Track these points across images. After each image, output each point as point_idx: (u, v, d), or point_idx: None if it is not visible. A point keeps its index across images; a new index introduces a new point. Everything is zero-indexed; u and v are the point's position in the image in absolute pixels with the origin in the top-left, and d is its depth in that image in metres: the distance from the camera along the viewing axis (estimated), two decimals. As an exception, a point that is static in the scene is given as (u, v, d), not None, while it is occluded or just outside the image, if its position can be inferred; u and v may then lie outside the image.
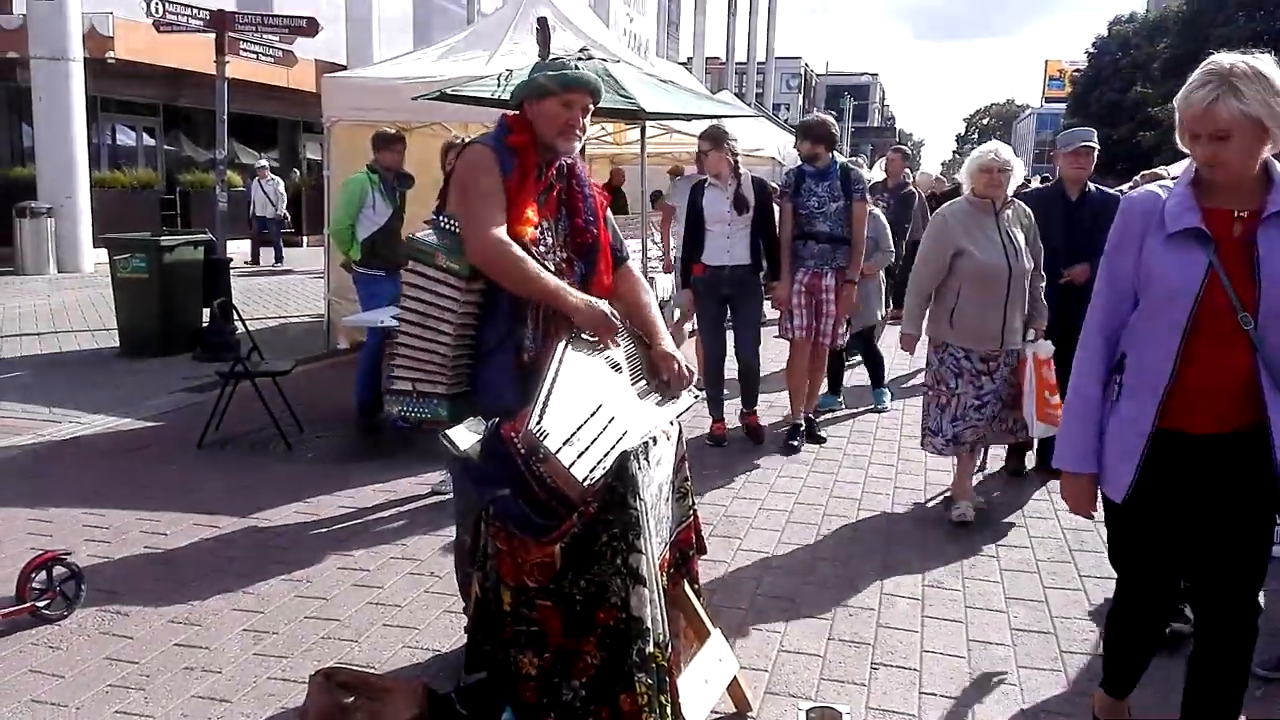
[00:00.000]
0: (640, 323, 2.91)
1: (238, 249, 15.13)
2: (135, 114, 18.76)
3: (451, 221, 2.68)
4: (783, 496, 5.15)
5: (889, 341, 9.71)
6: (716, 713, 2.92)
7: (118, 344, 8.71)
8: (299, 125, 22.08)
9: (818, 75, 73.31)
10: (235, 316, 7.12)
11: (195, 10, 9.40)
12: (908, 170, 10.16)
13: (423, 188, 6.68)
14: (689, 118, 7.90)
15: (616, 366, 2.71)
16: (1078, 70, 51.67)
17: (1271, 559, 2.52)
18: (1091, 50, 45.25)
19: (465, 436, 2.49)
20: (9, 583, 3.60)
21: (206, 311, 8.59)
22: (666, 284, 9.35)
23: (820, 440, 6.19)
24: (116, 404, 6.75)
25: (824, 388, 6.67)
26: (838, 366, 7.03)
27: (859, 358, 7.80)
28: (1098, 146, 5.28)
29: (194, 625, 3.56)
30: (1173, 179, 2.49)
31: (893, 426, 6.70)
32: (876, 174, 13.01)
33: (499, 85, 6.04)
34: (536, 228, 2.73)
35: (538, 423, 2.30)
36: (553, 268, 2.74)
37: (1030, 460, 5.58)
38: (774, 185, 6.39)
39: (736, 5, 40.20)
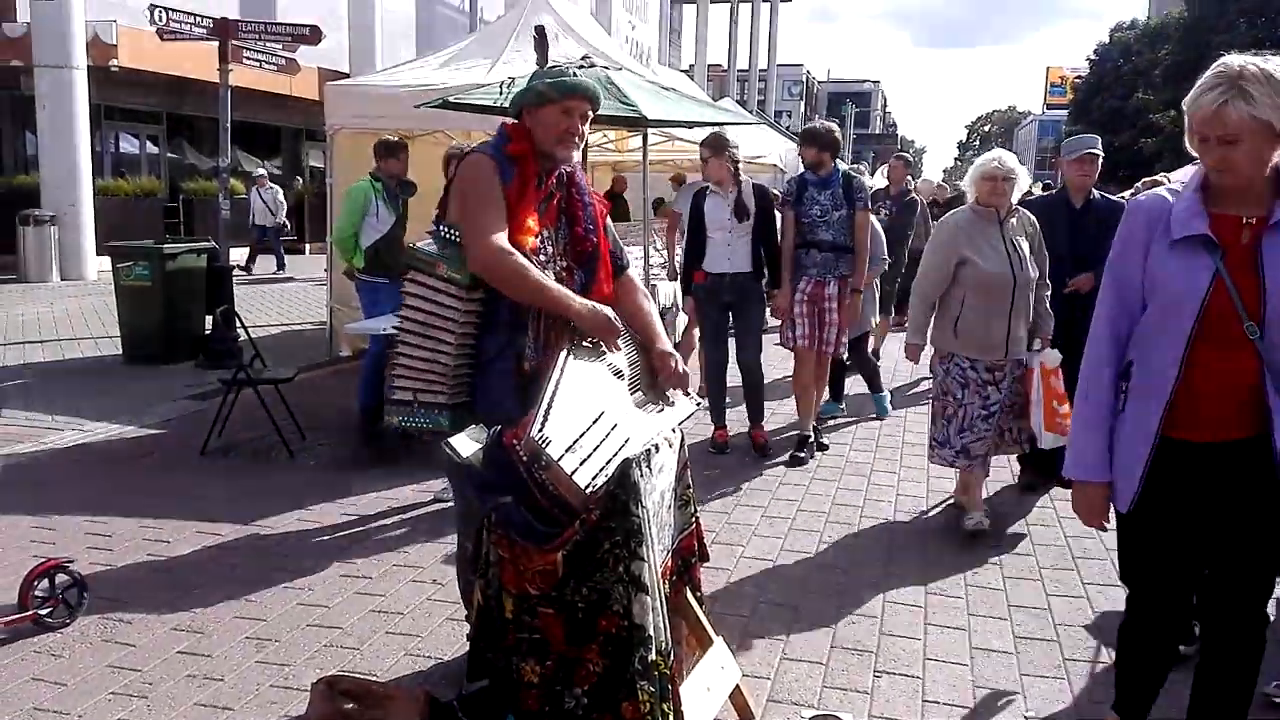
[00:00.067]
0: (640, 328, 2.91)
1: (240, 256, 15.16)
2: (138, 122, 18.80)
3: (452, 231, 2.69)
4: (785, 504, 5.14)
5: (890, 349, 9.73)
6: (719, 720, 2.92)
7: (121, 351, 8.72)
8: (302, 133, 22.12)
9: (819, 82, 73.43)
10: (238, 324, 7.13)
11: (198, 19, 9.43)
12: (910, 177, 10.16)
13: (425, 196, 6.70)
14: (691, 125, 7.91)
15: (618, 374, 2.71)
16: (1079, 77, 51.73)
17: None
18: (1093, 57, 45.31)
19: (467, 444, 2.49)
20: (11, 590, 3.60)
21: (209, 319, 8.61)
22: (668, 290, 9.35)
23: (823, 448, 6.18)
24: (119, 412, 6.75)
25: (825, 395, 6.67)
26: (839, 374, 7.02)
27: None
28: (1103, 154, 5.24)
29: (196, 633, 3.56)
30: (1181, 184, 2.45)
31: (895, 434, 6.70)
32: (878, 181, 13.02)
33: (501, 93, 6.06)
34: (537, 236, 2.73)
35: (540, 430, 2.30)
36: (553, 276, 2.74)
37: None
38: (775, 192, 6.39)
39: (738, 13, 40.30)
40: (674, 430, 2.77)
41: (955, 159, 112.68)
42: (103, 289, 11.56)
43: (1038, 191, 7.41)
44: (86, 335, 9.91)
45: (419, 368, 2.66)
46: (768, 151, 13.14)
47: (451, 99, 6.69)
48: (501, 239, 2.62)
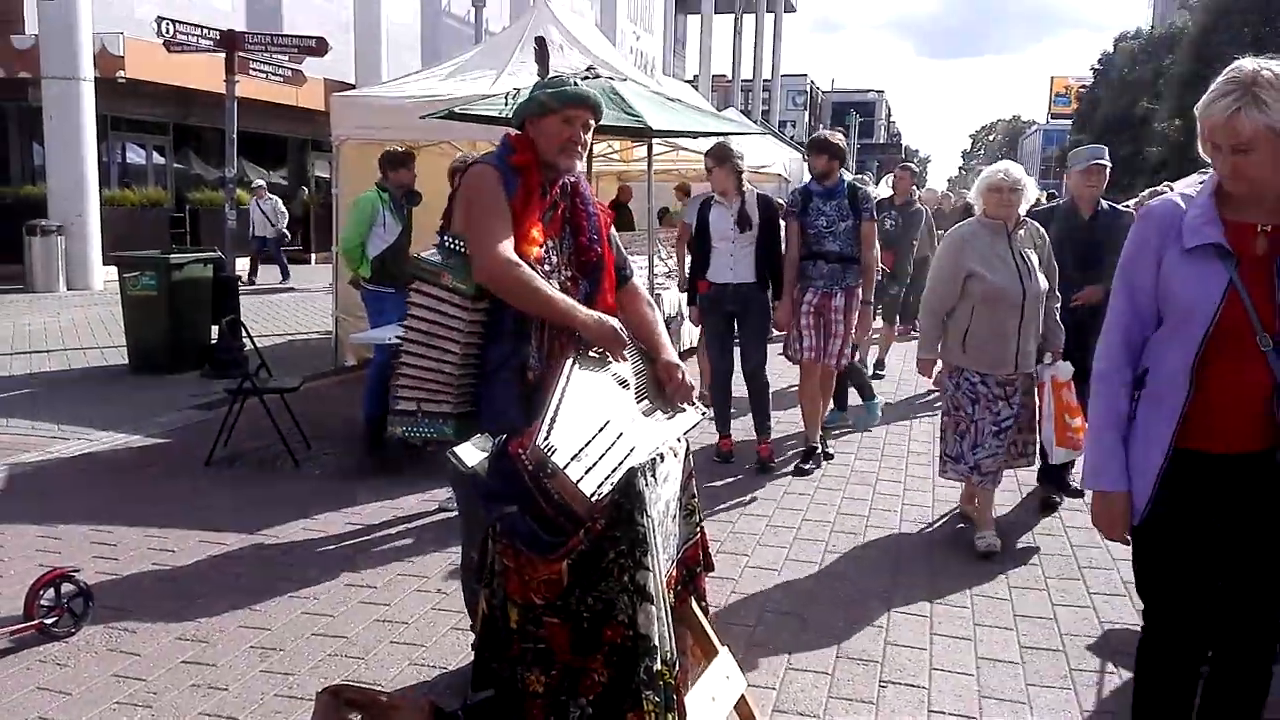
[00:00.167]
0: (645, 338, 2.92)
1: (242, 267, 15.19)
2: (145, 133, 18.89)
3: (456, 241, 2.70)
4: (790, 513, 5.14)
5: (894, 360, 9.73)
6: (724, 731, 2.91)
7: (127, 361, 8.74)
8: (308, 144, 22.21)
9: (823, 92, 73.55)
10: (244, 334, 7.15)
11: (205, 30, 9.48)
12: (914, 187, 10.17)
13: (430, 206, 6.72)
14: (695, 135, 7.93)
15: (624, 383, 2.72)
16: (1084, 86, 51.78)
17: None
18: (1098, 66, 45.39)
19: (472, 453, 2.49)
20: (17, 600, 3.61)
21: (215, 329, 8.63)
22: (673, 299, 9.36)
23: (829, 457, 6.17)
24: (125, 421, 6.77)
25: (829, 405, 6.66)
26: (842, 383, 7.00)
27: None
28: (1109, 164, 5.18)
29: (201, 642, 3.56)
30: (1194, 190, 2.37)
31: (900, 443, 6.69)
32: (883, 191, 13.04)
33: (506, 104, 6.09)
34: (541, 246, 2.74)
35: (545, 438, 2.30)
36: (558, 286, 2.75)
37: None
38: (779, 202, 6.39)
39: (742, 23, 40.41)
40: (679, 439, 2.77)
41: (960, 168, 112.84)
42: (109, 299, 11.61)
43: (1042, 200, 7.39)
44: (93, 345, 9.94)
45: (423, 377, 2.66)
46: (772, 161, 13.18)
47: (457, 110, 6.72)
48: (507, 249, 2.63)
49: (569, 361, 2.56)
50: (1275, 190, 2.16)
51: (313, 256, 20.63)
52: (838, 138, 6.07)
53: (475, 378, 2.73)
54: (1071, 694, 3.31)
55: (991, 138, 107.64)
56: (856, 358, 7.43)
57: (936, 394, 7.17)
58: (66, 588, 3.61)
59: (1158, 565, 2.38)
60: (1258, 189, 2.15)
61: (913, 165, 11.04)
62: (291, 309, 13.27)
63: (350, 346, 8.49)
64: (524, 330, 2.72)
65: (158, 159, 19.42)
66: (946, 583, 4.23)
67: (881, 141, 75.76)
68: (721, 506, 5.18)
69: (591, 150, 3.12)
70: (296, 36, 10.55)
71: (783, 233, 5.97)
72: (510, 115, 5.82)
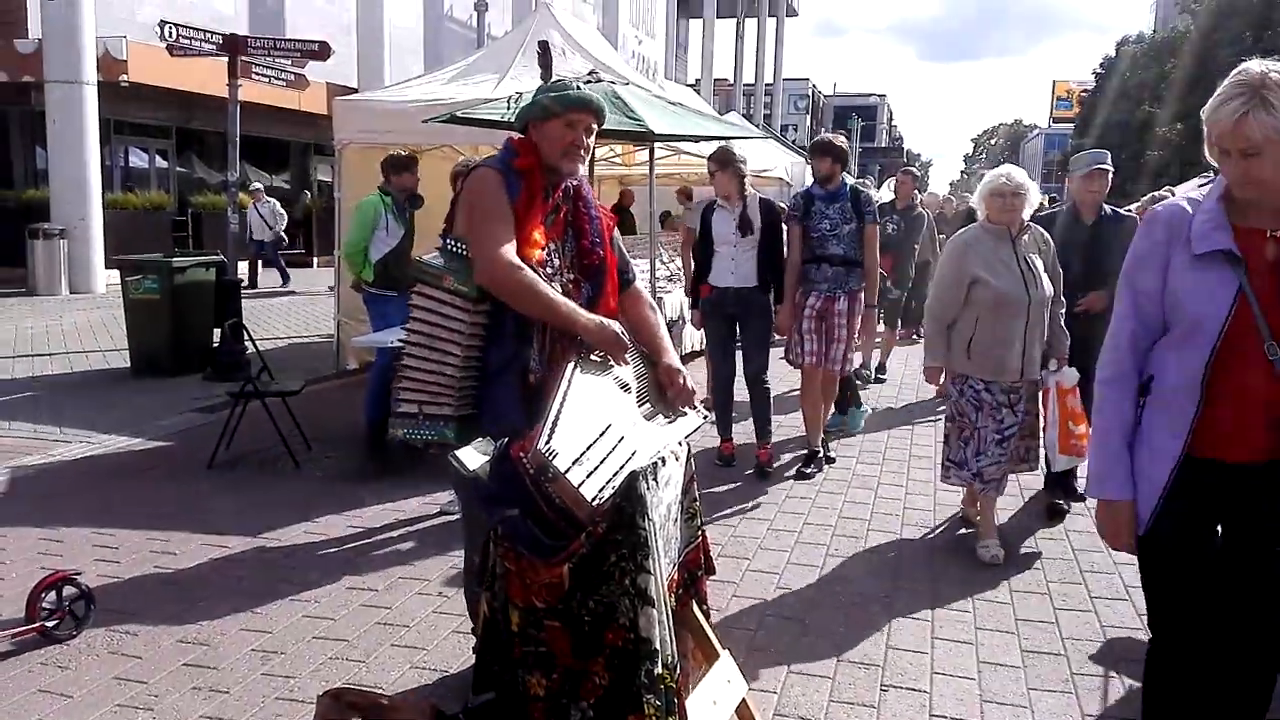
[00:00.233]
0: (647, 341, 2.92)
1: (244, 270, 15.20)
2: (148, 136, 18.92)
3: (459, 244, 2.70)
4: (792, 517, 5.14)
5: (894, 364, 9.73)
6: (725, 734, 2.91)
7: (129, 364, 8.75)
8: (310, 147, 22.23)
9: (825, 96, 73.59)
10: (246, 337, 7.16)
11: (208, 35, 9.50)
12: (916, 191, 10.18)
13: (432, 209, 6.73)
14: (697, 139, 7.94)
15: (625, 387, 2.72)
16: (1085, 90, 51.79)
17: None
18: (1099, 70, 45.38)
19: (474, 457, 2.49)
20: (19, 602, 3.62)
21: (217, 332, 8.64)
22: (675, 303, 9.37)
23: (830, 461, 6.17)
24: (127, 424, 6.78)
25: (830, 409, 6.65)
26: (844, 387, 6.99)
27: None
28: (1112, 168, 5.15)
29: (203, 645, 3.57)
30: (1200, 194, 2.31)
31: (902, 447, 6.68)
32: (884, 194, 13.05)
33: (509, 108, 6.09)
34: (543, 249, 2.75)
35: (547, 442, 2.30)
36: (559, 289, 2.75)
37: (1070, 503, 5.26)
38: (782, 206, 6.38)
39: (744, 27, 40.45)
40: (681, 443, 2.77)
41: (962, 172, 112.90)
42: (111, 302, 11.62)
43: (1045, 205, 7.36)
44: (95, 348, 9.95)
45: (425, 380, 2.67)
46: (774, 165, 13.19)
47: (459, 114, 6.73)
48: (509, 252, 2.64)
49: (570, 365, 2.56)
50: None
51: (315, 260, 20.64)
52: (840, 140, 6.06)
53: (477, 380, 2.73)
54: (1073, 698, 3.30)
55: (993, 142, 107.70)
56: (859, 363, 7.42)
57: (939, 400, 7.18)
58: (68, 590, 3.62)
59: (1165, 575, 2.33)
60: (1267, 193, 2.10)
61: (914, 169, 11.06)
62: (293, 312, 13.28)
63: (352, 350, 8.50)
64: (525, 333, 2.72)
65: (160, 163, 19.44)
66: (948, 587, 4.23)
67: (883, 145, 75.84)
68: (723, 510, 5.18)
69: (593, 154, 3.13)
70: (299, 40, 10.58)
71: (785, 237, 5.96)
72: (512, 119, 5.86)
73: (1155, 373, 2.26)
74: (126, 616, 3.77)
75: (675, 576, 2.73)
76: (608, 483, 2.38)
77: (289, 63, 10.28)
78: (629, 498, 2.37)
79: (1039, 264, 4.55)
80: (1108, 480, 2.31)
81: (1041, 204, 5.51)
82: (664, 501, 2.57)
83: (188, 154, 20.00)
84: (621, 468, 2.43)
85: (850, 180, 6.22)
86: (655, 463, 2.53)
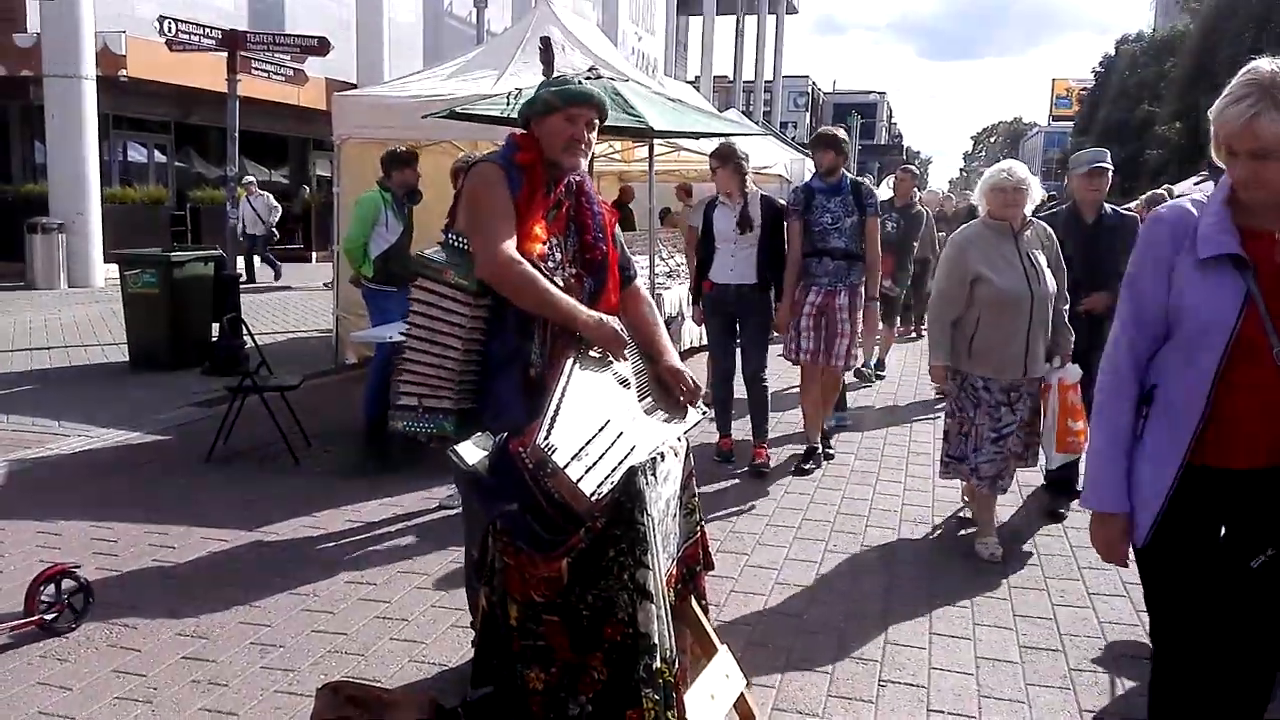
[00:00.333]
0: (646, 339, 2.93)
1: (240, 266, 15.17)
2: (147, 131, 18.90)
3: (460, 239, 2.71)
4: (790, 513, 5.14)
5: (892, 361, 9.73)
6: (723, 729, 2.91)
7: (127, 358, 8.75)
8: (309, 143, 22.21)
9: (825, 94, 73.53)
10: (245, 331, 7.16)
11: (207, 30, 9.49)
12: (915, 189, 10.18)
13: (431, 205, 6.73)
14: (697, 136, 7.93)
15: (624, 382, 2.72)
16: (1085, 89, 51.78)
17: None
18: (1099, 69, 45.37)
19: (473, 451, 2.49)
20: (17, 595, 3.62)
21: (216, 326, 8.64)
22: (674, 299, 9.38)
23: (829, 457, 6.17)
24: (125, 418, 6.77)
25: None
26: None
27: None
28: (1112, 167, 5.09)
29: (201, 638, 3.57)
30: (1203, 196, 2.24)
31: (900, 443, 6.69)
32: (884, 192, 13.03)
33: (508, 104, 6.09)
34: (545, 244, 2.75)
35: (546, 437, 2.30)
36: (561, 283, 2.76)
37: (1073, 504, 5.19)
38: (782, 202, 6.37)
39: (744, 25, 40.43)
40: (679, 439, 2.78)
41: (961, 169, 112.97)
42: (110, 296, 11.62)
43: (1045, 203, 7.32)
44: (93, 342, 9.94)
45: (425, 373, 2.68)
46: (773, 162, 13.18)
47: (458, 109, 6.72)
48: (510, 247, 2.65)
49: (570, 361, 2.57)
50: None
51: (314, 255, 20.62)
52: (842, 132, 6.06)
53: (477, 374, 2.74)
54: (1071, 694, 3.31)
55: (993, 139, 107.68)
56: (860, 361, 7.40)
57: (938, 397, 7.19)
58: (67, 583, 3.62)
59: (1167, 585, 2.26)
60: (1275, 195, 2.04)
61: (914, 167, 11.05)
62: (291, 307, 13.28)
63: (351, 345, 8.50)
64: (527, 328, 2.73)
65: (159, 157, 19.43)
66: (946, 582, 4.23)
67: (883, 143, 75.79)
68: (721, 506, 5.19)
69: (593, 151, 3.12)
70: (299, 36, 10.57)
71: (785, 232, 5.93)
72: (511, 115, 5.86)
73: (1158, 381, 2.19)
74: (125, 610, 3.77)
75: (674, 571, 2.74)
76: (606, 478, 2.38)
77: (288, 58, 10.27)
78: (628, 493, 2.38)
79: (1042, 260, 4.49)
80: (1103, 493, 2.25)
81: (1041, 201, 5.47)
82: (663, 497, 2.58)
83: (186, 149, 19.98)
84: (620, 463, 2.43)
85: (849, 174, 6.20)
86: (654, 458, 2.53)
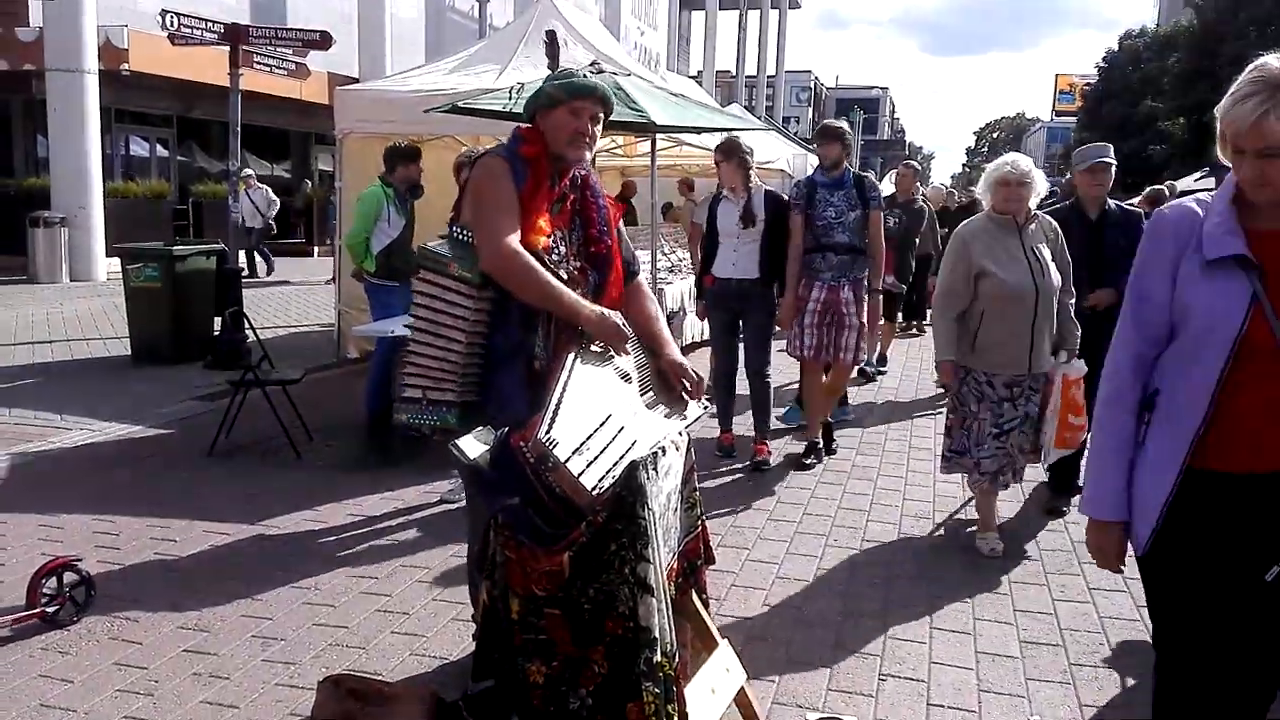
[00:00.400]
0: (648, 334, 2.93)
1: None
2: (149, 125, 18.90)
3: (464, 232, 2.72)
4: (791, 507, 5.14)
5: (894, 356, 9.73)
6: (723, 723, 2.92)
7: (129, 352, 8.76)
8: (311, 137, 22.21)
9: (828, 89, 73.48)
10: (247, 325, 7.17)
11: (209, 24, 9.49)
12: (917, 184, 10.17)
13: (432, 200, 6.73)
14: (699, 131, 7.92)
15: (626, 377, 2.72)
16: (1088, 84, 51.65)
17: None
18: (1102, 64, 45.25)
19: (474, 445, 2.50)
20: (20, 588, 3.63)
21: (218, 320, 8.65)
22: (675, 294, 9.38)
23: (830, 451, 6.17)
24: (127, 412, 6.78)
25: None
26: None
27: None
28: (1115, 162, 5.03)
29: (203, 631, 3.58)
30: (1201, 184, 2.21)
31: (901, 438, 6.69)
32: (885, 188, 13.00)
33: (511, 98, 6.09)
34: (549, 237, 2.76)
35: (547, 431, 2.31)
36: (565, 277, 2.76)
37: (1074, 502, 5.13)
38: (785, 196, 6.35)
39: (747, 20, 40.39)
40: (681, 433, 2.78)
41: (964, 165, 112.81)
42: (112, 290, 11.62)
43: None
44: (96, 336, 9.95)
45: (429, 365, 2.69)
46: (776, 157, 13.18)
47: (460, 104, 6.72)
48: (513, 240, 2.65)
49: (571, 355, 2.57)
50: None
51: (315, 249, 20.63)
52: (845, 125, 6.04)
53: (481, 367, 2.75)
54: (1071, 689, 3.31)
55: (996, 135, 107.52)
56: (877, 354, 7.38)
57: (939, 393, 7.18)
58: (68, 576, 3.62)
59: (1170, 592, 2.20)
60: None
61: (915, 163, 11.05)
62: (293, 301, 13.28)
63: (352, 339, 8.50)
64: (531, 320, 2.73)
65: (161, 151, 19.44)
66: (946, 577, 4.24)
67: (885, 138, 75.74)
68: (722, 500, 5.19)
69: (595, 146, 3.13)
70: (301, 30, 10.58)
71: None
72: (514, 109, 5.85)
73: (1161, 386, 2.13)
74: (127, 603, 3.78)
75: (675, 566, 2.74)
76: (608, 472, 2.38)
77: (290, 52, 10.27)
78: (629, 487, 2.38)
79: (1046, 254, 4.45)
80: (1102, 500, 2.21)
81: (1053, 190, 5.38)
82: (664, 491, 2.58)
83: (188, 143, 19.99)
84: (622, 457, 2.44)
85: (852, 169, 6.18)
86: (655, 452, 2.53)
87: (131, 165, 18.56)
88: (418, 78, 8.83)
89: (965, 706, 3.19)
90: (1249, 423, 2.02)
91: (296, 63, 10.39)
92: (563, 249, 2.82)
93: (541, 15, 8.62)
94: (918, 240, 9.60)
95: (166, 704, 3.08)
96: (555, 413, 2.36)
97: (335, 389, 7.63)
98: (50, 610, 3.55)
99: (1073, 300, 4.61)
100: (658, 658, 2.37)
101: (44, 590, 3.55)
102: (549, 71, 2.94)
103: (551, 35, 5.12)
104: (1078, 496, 5.22)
